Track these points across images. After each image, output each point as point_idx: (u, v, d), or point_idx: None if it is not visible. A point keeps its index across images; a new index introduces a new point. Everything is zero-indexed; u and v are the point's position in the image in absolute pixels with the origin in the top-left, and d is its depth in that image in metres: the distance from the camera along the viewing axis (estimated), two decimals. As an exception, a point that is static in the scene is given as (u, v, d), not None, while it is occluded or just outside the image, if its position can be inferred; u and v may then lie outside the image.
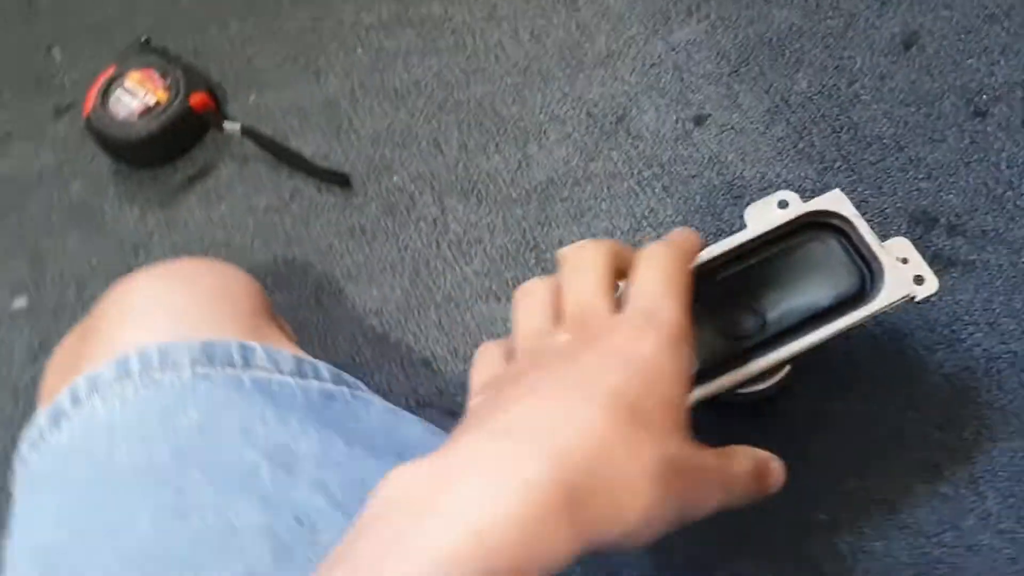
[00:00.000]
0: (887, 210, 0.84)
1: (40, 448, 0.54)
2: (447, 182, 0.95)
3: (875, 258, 0.64)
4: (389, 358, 0.87)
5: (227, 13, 1.10)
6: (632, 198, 0.90)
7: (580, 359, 0.41)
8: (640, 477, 0.37)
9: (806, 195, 0.65)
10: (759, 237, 0.65)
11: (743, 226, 0.66)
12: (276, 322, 0.68)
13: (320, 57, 1.05)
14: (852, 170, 0.87)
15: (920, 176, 0.86)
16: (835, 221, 0.66)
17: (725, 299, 0.65)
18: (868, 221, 0.64)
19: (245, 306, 0.64)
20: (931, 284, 0.65)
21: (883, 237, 0.64)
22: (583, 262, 0.47)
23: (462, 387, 0.81)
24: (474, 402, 0.44)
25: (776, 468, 0.49)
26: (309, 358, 0.60)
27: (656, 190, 0.90)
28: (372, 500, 0.36)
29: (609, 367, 0.40)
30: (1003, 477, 0.74)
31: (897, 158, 0.87)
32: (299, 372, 0.57)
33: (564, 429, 0.37)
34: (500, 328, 0.86)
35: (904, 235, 0.81)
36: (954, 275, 0.81)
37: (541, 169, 0.93)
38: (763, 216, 0.67)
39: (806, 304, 0.64)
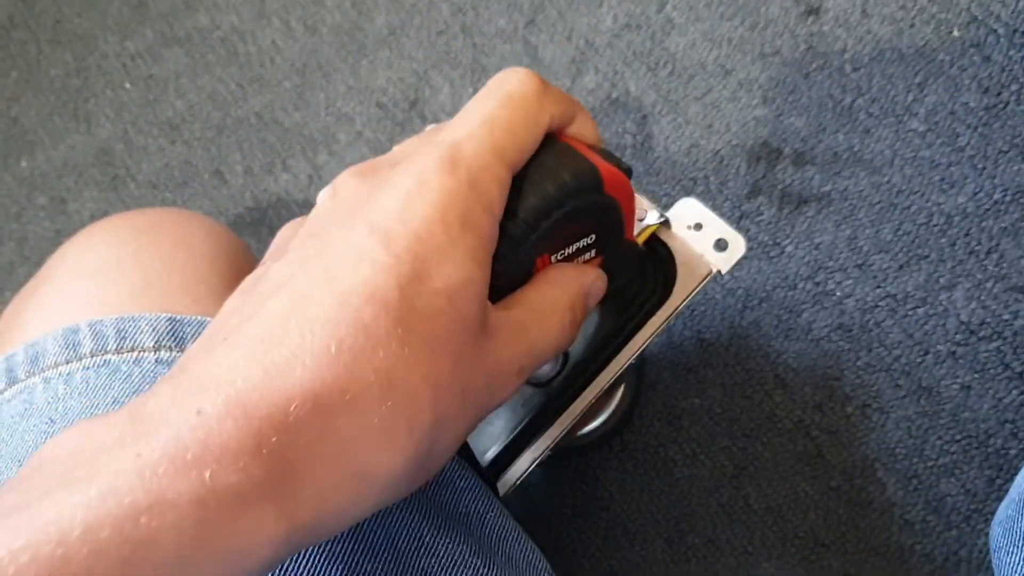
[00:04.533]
0: (721, 151, 0.66)
1: None
2: (234, 216, 0.76)
3: (660, 242, 0.47)
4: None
5: (-14, 71, 0.91)
6: (437, 194, 0.72)
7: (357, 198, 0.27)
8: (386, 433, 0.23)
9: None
10: None
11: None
12: None
13: (89, 100, 0.86)
14: (675, 111, 0.68)
15: (754, 102, 0.67)
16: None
17: None
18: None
19: (223, 266, 0.47)
20: (737, 245, 0.47)
21: (682, 197, 0.46)
22: None
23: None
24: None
25: (596, 282, 0.34)
26: None
27: (461, 180, 0.71)
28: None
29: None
30: (901, 455, 0.56)
31: (725, 86, 0.68)
32: None
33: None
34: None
35: (745, 177, 0.63)
36: (808, 215, 0.62)
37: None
38: None
39: (601, 324, 0.47)
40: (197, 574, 0.20)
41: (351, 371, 0.22)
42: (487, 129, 0.29)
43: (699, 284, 0.46)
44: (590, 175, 0.31)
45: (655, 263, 0.48)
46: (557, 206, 0.31)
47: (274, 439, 0.21)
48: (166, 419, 0.21)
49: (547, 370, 0.48)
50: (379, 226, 0.25)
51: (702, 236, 0.47)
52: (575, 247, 0.34)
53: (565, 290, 0.32)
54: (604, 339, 0.48)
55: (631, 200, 0.34)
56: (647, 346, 0.46)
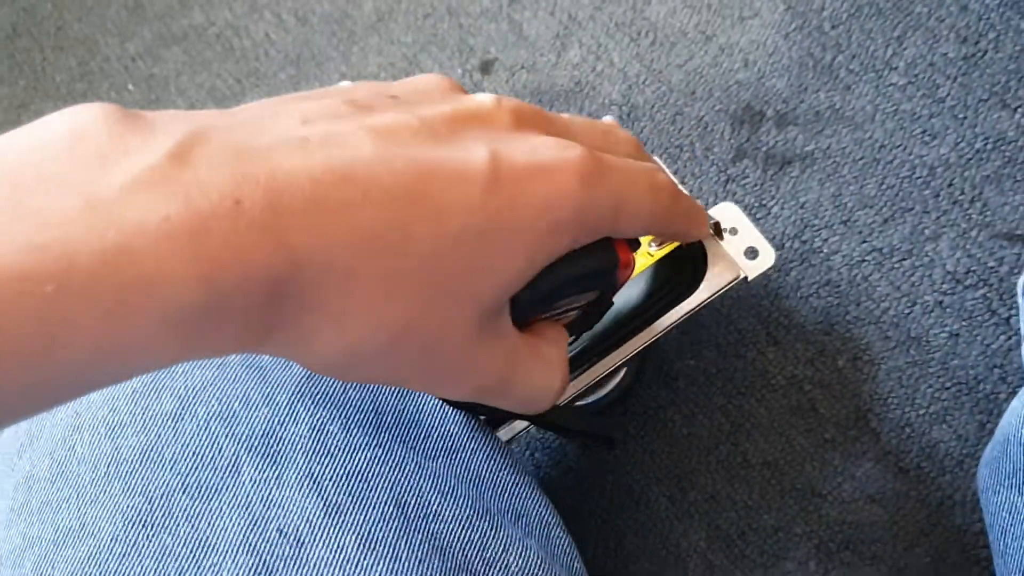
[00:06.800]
0: (705, 117, 0.65)
1: None
2: (241, 209, 0.76)
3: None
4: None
5: (-5, 81, 0.91)
6: (433, 175, 0.71)
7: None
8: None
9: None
10: None
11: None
12: None
13: (95, 103, 0.86)
14: (659, 80, 0.68)
15: (736, 66, 0.66)
16: None
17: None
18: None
19: None
20: (766, 256, 0.48)
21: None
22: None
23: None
24: None
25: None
26: None
27: (455, 160, 0.71)
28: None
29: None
30: (893, 404, 0.56)
31: (707, 51, 0.68)
32: None
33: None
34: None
35: (729, 141, 0.63)
36: (793, 175, 0.62)
37: (335, 167, 0.75)
38: None
39: (624, 305, 0.47)
40: (153, 346, 0.19)
41: (361, 261, 0.22)
42: (642, 185, 0.28)
43: (725, 285, 0.46)
44: (610, 264, 0.30)
45: (687, 259, 0.48)
46: (571, 287, 0.30)
47: (276, 274, 0.20)
48: (205, 190, 0.19)
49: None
50: (497, 164, 0.24)
51: (735, 241, 0.48)
52: (564, 308, 0.34)
53: (562, 350, 0.31)
54: (622, 319, 0.48)
55: (630, 272, 0.34)
56: (662, 334, 0.46)
